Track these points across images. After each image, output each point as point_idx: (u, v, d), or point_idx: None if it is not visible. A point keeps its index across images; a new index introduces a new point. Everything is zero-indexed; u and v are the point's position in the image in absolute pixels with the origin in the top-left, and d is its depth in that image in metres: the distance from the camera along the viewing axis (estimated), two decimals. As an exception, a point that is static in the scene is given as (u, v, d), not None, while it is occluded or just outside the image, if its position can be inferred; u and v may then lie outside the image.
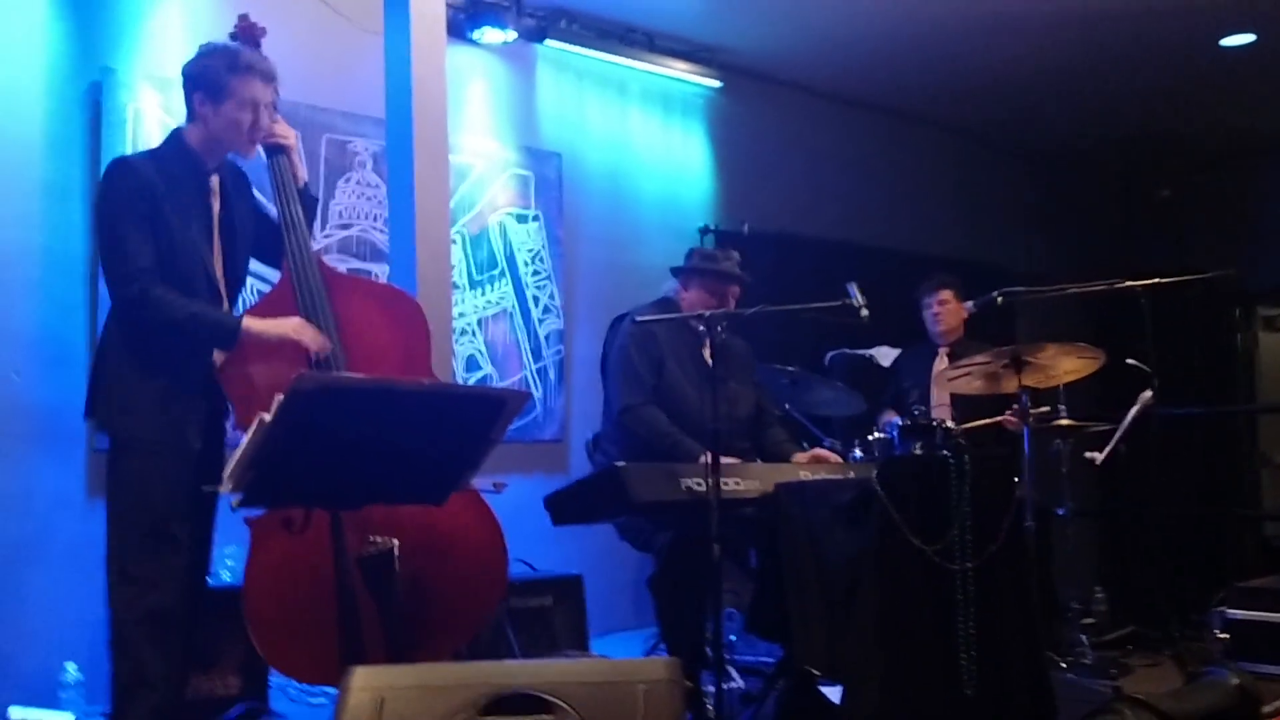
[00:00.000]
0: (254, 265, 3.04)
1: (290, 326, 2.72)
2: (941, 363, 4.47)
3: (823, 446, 3.83)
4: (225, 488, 2.18)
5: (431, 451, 2.41)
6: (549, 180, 5.08)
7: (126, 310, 2.65)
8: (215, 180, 2.81)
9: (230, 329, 2.69)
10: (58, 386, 3.69)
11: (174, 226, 2.67)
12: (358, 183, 4.46)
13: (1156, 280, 3.89)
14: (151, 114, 3.84)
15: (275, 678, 3.53)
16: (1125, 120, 6.84)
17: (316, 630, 2.50)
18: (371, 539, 2.56)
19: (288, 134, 2.94)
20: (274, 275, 3.03)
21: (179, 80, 2.79)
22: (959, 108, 6.60)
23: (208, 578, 2.86)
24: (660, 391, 3.39)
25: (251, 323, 2.70)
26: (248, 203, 2.94)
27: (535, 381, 4.96)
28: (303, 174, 2.98)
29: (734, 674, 3.84)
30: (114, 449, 2.69)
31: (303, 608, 2.61)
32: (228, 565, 3.58)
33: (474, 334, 4.79)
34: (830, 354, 5.07)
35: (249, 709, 3.40)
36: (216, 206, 2.81)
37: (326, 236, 4.34)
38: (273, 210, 2.95)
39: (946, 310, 4.49)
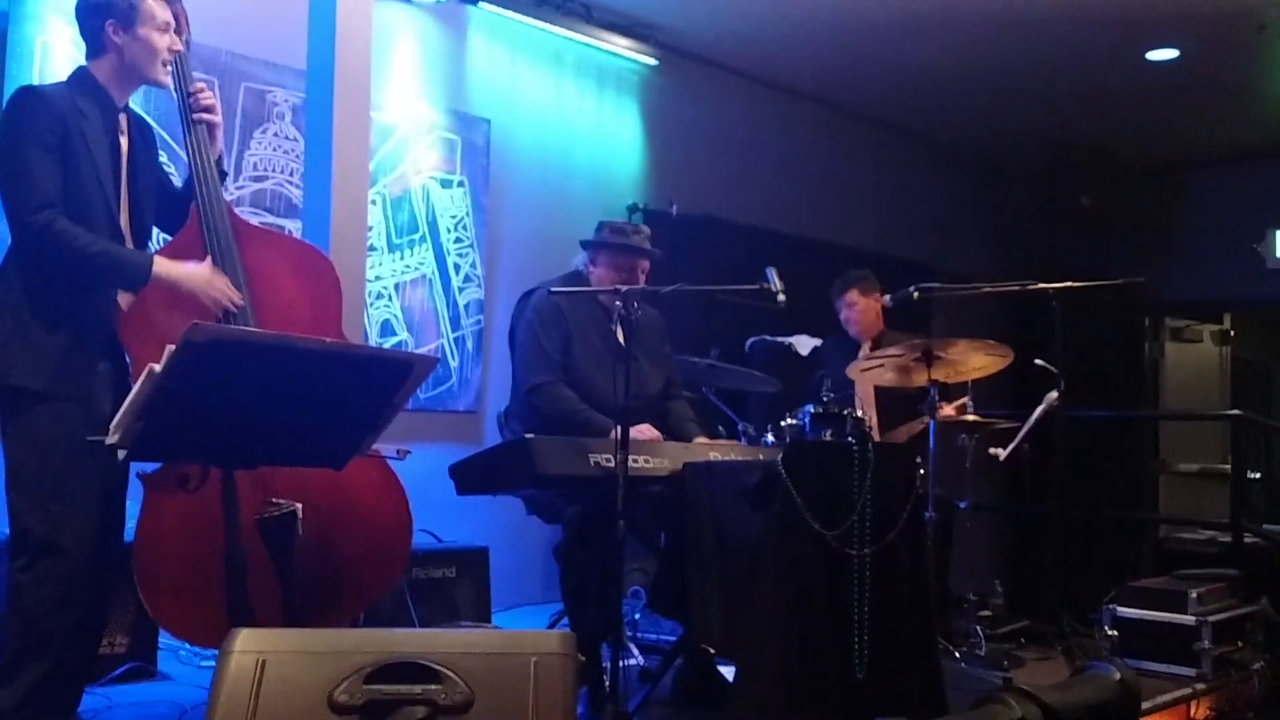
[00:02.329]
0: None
1: (203, 278, 2.62)
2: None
3: (737, 431, 3.85)
4: (112, 439, 2.11)
5: (331, 413, 2.35)
6: (476, 146, 5.01)
7: (30, 242, 2.50)
8: (125, 120, 2.71)
9: (141, 268, 2.57)
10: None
11: (83, 163, 2.55)
12: (275, 135, 4.33)
13: (1069, 284, 3.97)
14: (61, 48, 3.69)
15: (165, 639, 3.45)
16: (1052, 126, 6.98)
17: (210, 592, 2.42)
18: (273, 501, 2.48)
19: (216, 114, 2.85)
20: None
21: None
22: (891, 104, 6.67)
23: (120, 540, 2.70)
24: (567, 369, 3.36)
25: (163, 266, 2.59)
26: (154, 160, 2.86)
27: (452, 351, 4.90)
28: (219, 149, 2.88)
29: (635, 651, 3.85)
30: (9, 404, 2.54)
31: (196, 568, 2.53)
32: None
33: (391, 298, 4.71)
34: (750, 340, 5.10)
35: (136, 668, 3.32)
36: (125, 146, 2.70)
37: (240, 188, 4.22)
38: (176, 179, 2.87)
39: (855, 311, 4.50)
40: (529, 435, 2.90)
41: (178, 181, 2.96)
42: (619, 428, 2.80)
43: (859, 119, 6.87)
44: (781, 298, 3.05)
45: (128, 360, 2.67)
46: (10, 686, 2.50)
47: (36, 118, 2.51)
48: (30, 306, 2.53)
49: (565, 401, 3.30)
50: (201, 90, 2.82)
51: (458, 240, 4.94)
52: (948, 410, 4.00)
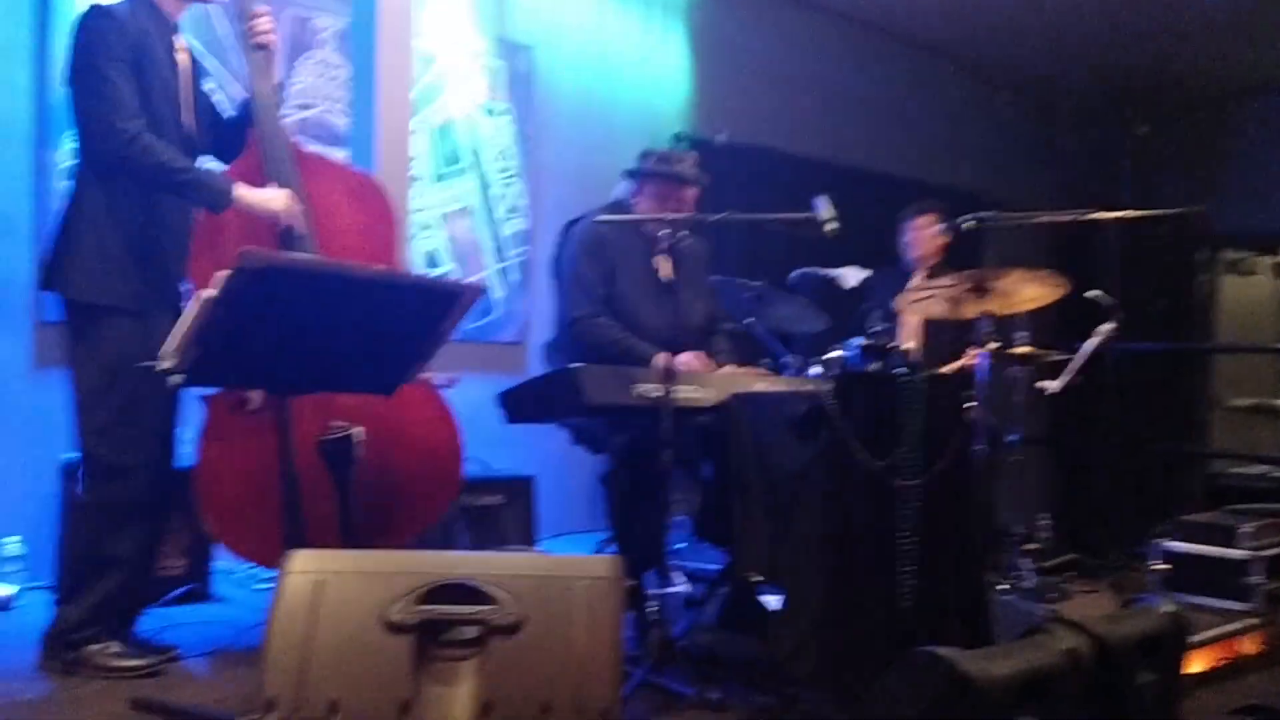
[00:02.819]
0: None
1: (283, 203, 2.64)
2: None
3: (779, 362, 3.82)
4: (165, 364, 2.13)
5: (381, 340, 2.37)
6: (520, 74, 4.95)
7: (116, 151, 2.51)
8: (181, 40, 2.72)
9: (223, 191, 2.59)
10: (1, 258, 3.58)
11: (153, 80, 2.57)
12: (319, 62, 4.30)
13: (1124, 214, 3.87)
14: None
15: (219, 561, 3.53)
16: (1109, 54, 6.77)
17: (274, 512, 2.45)
18: (334, 423, 2.54)
19: (273, 41, 2.85)
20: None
21: None
22: (946, 31, 6.49)
23: (174, 462, 2.77)
24: (610, 300, 3.34)
25: (243, 190, 2.61)
26: (202, 89, 2.86)
27: (498, 282, 4.89)
28: (276, 76, 2.88)
29: (680, 578, 3.88)
30: (82, 320, 2.57)
31: (259, 489, 2.58)
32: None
33: (437, 229, 4.70)
34: (794, 273, 5.03)
35: (190, 591, 3.40)
36: (186, 63, 2.71)
37: (284, 117, 4.19)
38: (226, 110, 2.89)
39: (929, 234, 4.46)
40: (576, 365, 2.90)
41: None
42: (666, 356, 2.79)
43: (910, 45, 6.69)
44: (830, 227, 2.99)
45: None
46: (75, 603, 2.58)
47: (109, 35, 2.52)
48: (108, 222, 2.55)
49: (608, 331, 3.28)
50: (261, 15, 2.80)
51: (503, 170, 4.91)
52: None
